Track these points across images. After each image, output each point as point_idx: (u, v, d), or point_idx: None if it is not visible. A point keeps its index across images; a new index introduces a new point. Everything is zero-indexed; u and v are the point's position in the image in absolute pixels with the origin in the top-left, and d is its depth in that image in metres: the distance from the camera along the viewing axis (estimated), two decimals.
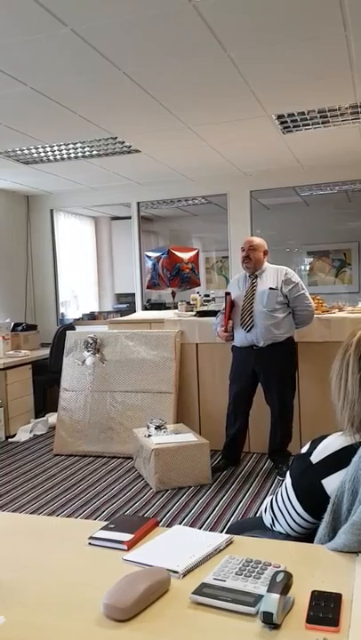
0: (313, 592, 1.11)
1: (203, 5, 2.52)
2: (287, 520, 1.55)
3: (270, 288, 4.07)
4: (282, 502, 1.57)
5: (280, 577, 1.09)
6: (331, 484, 1.45)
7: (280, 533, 1.57)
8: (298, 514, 1.53)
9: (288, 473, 1.61)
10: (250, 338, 4.08)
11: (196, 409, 4.89)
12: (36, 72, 3.25)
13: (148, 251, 6.23)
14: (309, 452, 1.53)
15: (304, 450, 1.56)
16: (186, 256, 5.87)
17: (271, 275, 4.15)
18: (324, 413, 4.08)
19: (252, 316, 4.05)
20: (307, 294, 4.19)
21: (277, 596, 1.04)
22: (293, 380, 4.23)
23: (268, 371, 4.11)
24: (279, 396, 4.16)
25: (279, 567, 1.19)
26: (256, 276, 4.16)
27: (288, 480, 1.57)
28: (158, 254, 5.83)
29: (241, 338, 4.13)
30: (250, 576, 1.18)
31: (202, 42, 2.90)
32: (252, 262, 4.12)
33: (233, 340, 4.22)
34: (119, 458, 4.72)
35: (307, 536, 1.52)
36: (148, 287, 6.17)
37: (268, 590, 1.07)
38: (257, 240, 4.20)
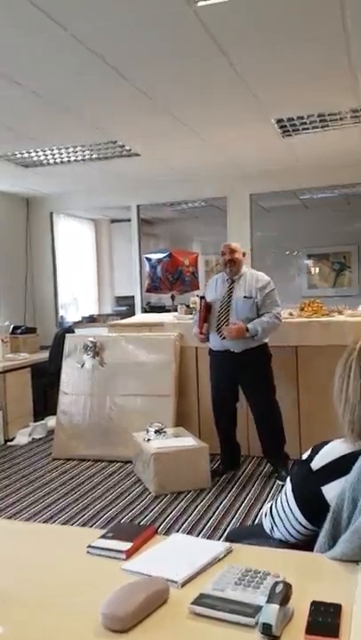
0: (312, 602, 1.10)
1: (203, 9, 2.52)
2: (286, 526, 1.54)
3: (245, 297, 4.07)
4: (281, 508, 1.56)
5: (279, 587, 1.08)
6: (330, 491, 1.45)
7: (280, 541, 1.57)
8: (297, 520, 1.52)
9: (288, 479, 1.60)
10: (225, 344, 4.08)
11: (195, 412, 4.88)
12: (36, 75, 3.25)
13: (148, 253, 6.22)
14: (310, 459, 1.52)
15: (305, 456, 1.56)
16: (187, 259, 5.87)
17: (248, 281, 4.15)
18: (323, 417, 4.05)
19: (228, 323, 4.03)
20: (277, 303, 4.15)
21: (277, 606, 1.04)
22: (270, 383, 4.20)
23: (245, 375, 4.14)
24: (258, 396, 4.17)
25: (279, 577, 1.18)
26: (233, 281, 4.16)
27: (288, 486, 1.57)
28: (159, 257, 5.83)
29: (216, 342, 4.14)
30: (249, 586, 1.17)
31: (201, 46, 2.90)
32: (236, 265, 4.13)
33: (208, 341, 4.21)
34: (118, 462, 4.71)
35: (305, 543, 1.51)
36: (147, 290, 6.15)
37: (268, 601, 1.06)
38: (235, 244, 4.24)
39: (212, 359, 4.29)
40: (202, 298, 4.22)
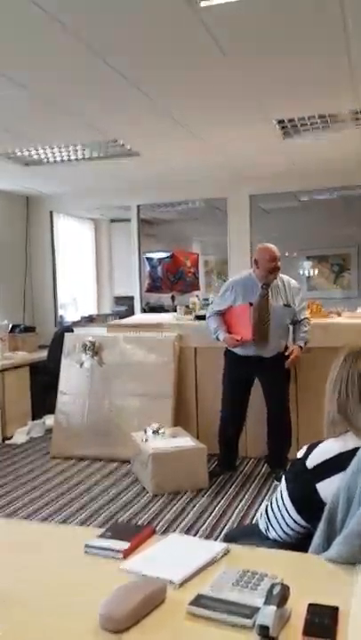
0: (310, 605, 1.11)
1: (204, 10, 2.52)
2: (281, 525, 1.55)
3: (285, 305, 4.07)
4: (276, 507, 1.58)
5: (277, 589, 1.08)
6: (325, 488, 1.47)
7: (274, 541, 1.58)
8: (292, 518, 1.53)
9: (283, 477, 1.61)
10: (259, 350, 4.05)
11: (193, 413, 4.89)
12: (36, 74, 3.25)
13: (149, 252, 6.21)
14: (305, 457, 1.55)
15: (300, 454, 1.58)
16: (188, 259, 5.87)
17: (280, 287, 4.11)
18: (321, 418, 4.07)
19: (267, 331, 4.00)
20: (305, 306, 4.29)
21: (274, 608, 1.04)
22: (288, 385, 4.28)
23: (269, 375, 4.12)
24: (277, 399, 4.17)
25: (276, 579, 1.18)
26: (268, 285, 4.07)
27: (283, 484, 1.58)
28: (160, 256, 5.82)
29: (247, 349, 4.08)
30: (246, 587, 1.17)
31: (202, 46, 2.89)
32: (277, 273, 4.07)
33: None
34: (116, 461, 4.70)
35: (300, 542, 1.52)
36: (148, 290, 6.14)
37: (265, 603, 1.06)
38: (276, 248, 4.14)
39: (234, 361, 4.19)
40: (251, 304, 4.02)
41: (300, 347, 4.09)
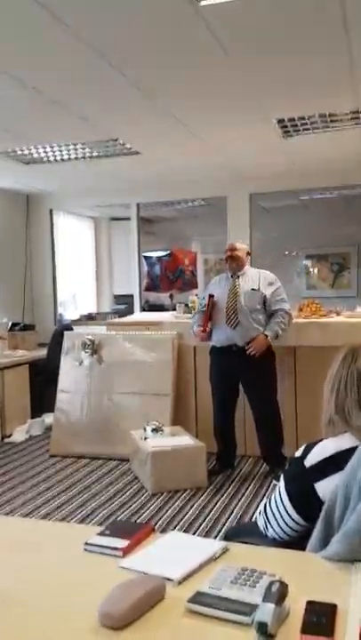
0: (308, 602, 1.11)
1: (205, 8, 2.52)
2: (280, 523, 1.56)
3: (252, 289, 4.15)
4: (275, 505, 1.58)
5: (275, 587, 1.09)
6: (323, 487, 1.47)
7: (273, 539, 1.58)
8: (290, 517, 1.54)
9: (282, 476, 1.62)
10: (232, 336, 4.09)
11: (193, 411, 4.89)
12: (37, 73, 3.24)
13: (148, 251, 6.21)
14: (303, 456, 1.55)
15: (298, 453, 1.58)
16: (187, 258, 5.88)
17: (253, 276, 4.25)
18: (320, 417, 4.08)
19: (237, 313, 4.08)
20: (286, 299, 4.26)
21: (272, 605, 1.05)
22: (273, 383, 4.24)
23: (249, 373, 4.14)
24: (260, 395, 4.19)
25: (274, 576, 1.19)
26: (238, 277, 4.23)
27: (282, 483, 1.59)
28: (159, 255, 5.82)
29: (222, 337, 4.15)
30: (245, 585, 1.18)
31: (203, 45, 2.89)
32: (235, 262, 4.23)
33: (210, 339, 4.23)
34: (115, 460, 4.71)
35: (298, 541, 1.53)
36: (146, 289, 6.14)
37: (264, 600, 1.07)
38: (239, 243, 4.38)
39: (214, 358, 4.29)
40: (211, 296, 4.22)
41: (266, 335, 4.05)
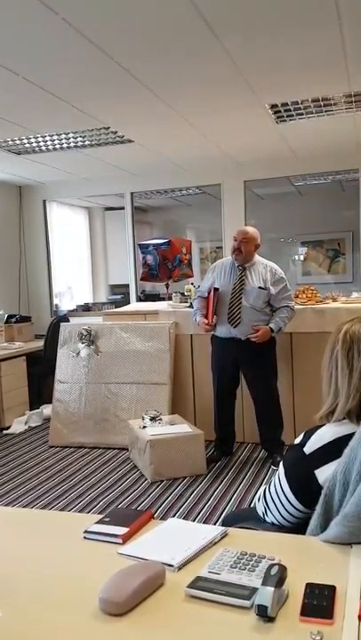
0: (307, 584, 1.12)
1: None
2: (279, 510, 1.56)
3: (260, 288, 4.05)
4: (275, 492, 1.58)
5: (274, 570, 1.09)
6: (323, 474, 1.47)
7: (272, 524, 1.59)
8: (290, 503, 1.54)
9: (281, 463, 1.62)
10: (234, 332, 4.08)
11: (190, 400, 4.90)
12: (27, 61, 3.21)
13: (144, 240, 6.16)
14: (303, 443, 1.55)
15: (298, 440, 1.58)
16: (184, 246, 5.85)
17: (261, 271, 4.11)
18: (318, 403, 4.09)
19: (240, 312, 4.03)
20: (292, 295, 4.25)
21: (272, 588, 1.05)
22: (274, 369, 4.24)
23: (250, 360, 4.13)
24: (262, 382, 4.18)
25: (274, 560, 1.20)
26: (245, 269, 4.11)
27: (281, 470, 1.59)
28: (156, 243, 5.78)
29: (225, 331, 4.12)
30: (244, 569, 1.19)
31: (195, 30, 2.87)
32: (243, 255, 4.07)
33: (214, 330, 4.19)
34: (114, 449, 4.73)
35: (298, 526, 1.53)
36: (143, 279, 6.10)
37: (263, 583, 1.07)
38: (251, 231, 4.11)
39: (216, 347, 4.27)
40: (216, 290, 4.10)
41: (271, 328, 4.03)
